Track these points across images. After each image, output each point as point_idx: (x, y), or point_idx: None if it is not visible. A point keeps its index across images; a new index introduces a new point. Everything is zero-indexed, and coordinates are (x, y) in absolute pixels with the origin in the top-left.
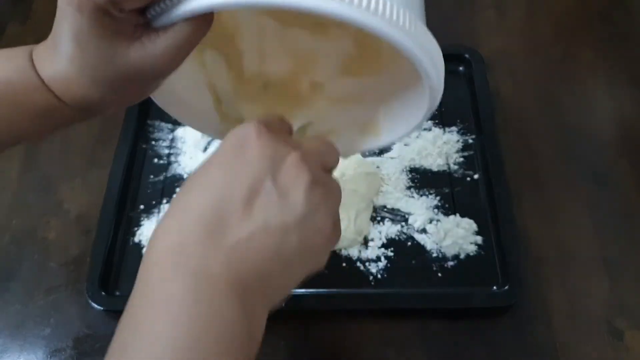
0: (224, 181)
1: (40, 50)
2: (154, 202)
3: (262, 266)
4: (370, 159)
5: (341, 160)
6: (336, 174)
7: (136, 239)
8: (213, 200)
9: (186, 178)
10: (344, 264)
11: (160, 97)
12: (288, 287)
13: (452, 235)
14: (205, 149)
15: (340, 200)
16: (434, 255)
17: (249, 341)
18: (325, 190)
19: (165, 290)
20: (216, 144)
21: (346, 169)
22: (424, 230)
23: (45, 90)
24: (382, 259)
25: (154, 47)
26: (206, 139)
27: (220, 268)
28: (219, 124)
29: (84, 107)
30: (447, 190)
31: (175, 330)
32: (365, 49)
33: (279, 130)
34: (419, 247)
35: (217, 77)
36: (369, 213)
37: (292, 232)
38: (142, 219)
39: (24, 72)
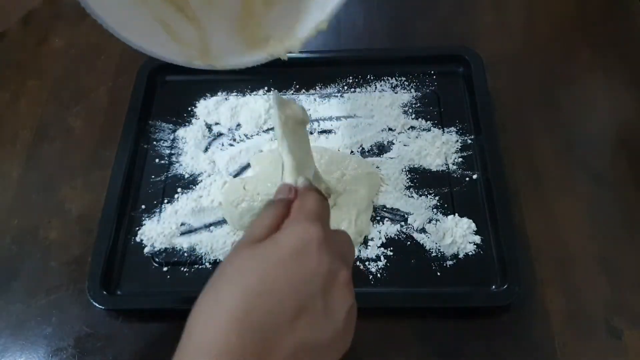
0: (282, 288)
1: None
2: (155, 202)
3: None
4: (370, 159)
5: (341, 160)
6: (336, 174)
7: (137, 239)
8: (271, 307)
9: (228, 260)
10: None
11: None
12: None
13: (451, 235)
14: (206, 149)
15: (353, 326)
16: (433, 254)
17: None
18: (355, 310)
19: None
20: (216, 144)
21: (346, 169)
22: (423, 230)
23: None
24: (382, 258)
25: None
26: (207, 139)
27: None
28: (171, 43)
29: None
30: (446, 190)
31: None
32: None
33: (328, 217)
34: (418, 247)
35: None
36: (369, 213)
37: (325, 347)
38: (143, 218)
39: None
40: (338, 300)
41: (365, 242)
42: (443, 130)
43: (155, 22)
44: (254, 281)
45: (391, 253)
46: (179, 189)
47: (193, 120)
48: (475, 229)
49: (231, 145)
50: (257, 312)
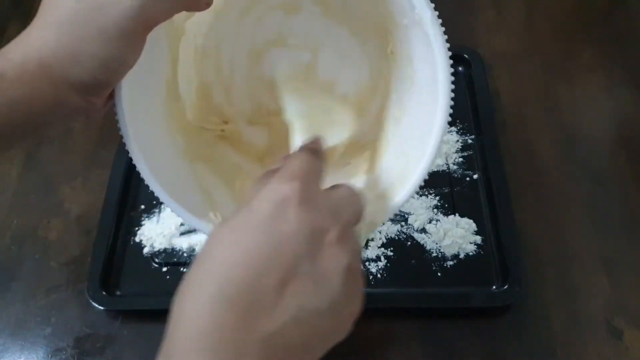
0: (261, 254)
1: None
2: (154, 202)
3: (294, 352)
4: None
5: None
6: None
7: (137, 239)
8: (250, 276)
9: (213, 231)
10: None
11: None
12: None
13: (452, 235)
14: None
15: (361, 291)
16: (434, 254)
17: None
18: (359, 271)
19: None
20: None
21: None
22: (423, 230)
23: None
24: (382, 258)
25: None
26: None
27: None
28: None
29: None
30: (446, 190)
31: None
32: None
33: (315, 174)
34: (419, 247)
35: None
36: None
37: (324, 317)
38: (142, 219)
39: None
40: (328, 262)
41: (365, 243)
42: None
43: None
44: (229, 253)
45: (391, 253)
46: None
47: None
48: (475, 229)
49: None
50: (235, 284)
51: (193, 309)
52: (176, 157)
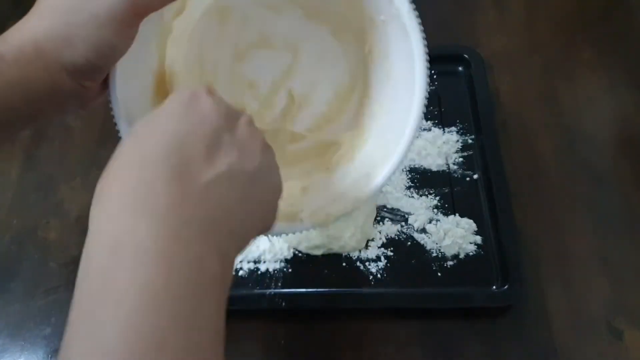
0: (181, 129)
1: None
2: None
3: (230, 207)
4: None
5: None
6: None
7: None
8: (174, 145)
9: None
10: (344, 264)
11: None
12: (249, 236)
13: (452, 235)
14: None
15: (278, 168)
16: (434, 255)
17: (222, 283)
18: (273, 154)
19: (133, 233)
20: None
21: None
22: (423, 230)
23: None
24: (382, 258)
25: None
26: None
27: (191, 210)
28: None
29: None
30: (446, 190)
31: (150, 273)
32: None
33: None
34: (419, 247)
35: None
36: (373, 216)
37: (253, 180)
38: None
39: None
40: (247, 135)
41: (365, 243)
42: (444, 130)
43: None
44: (153, 130)
45: (391, 253)
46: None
47: None
48: (475, 229)
49: None
50: (171, 150)
51: (114, 174)
52: None
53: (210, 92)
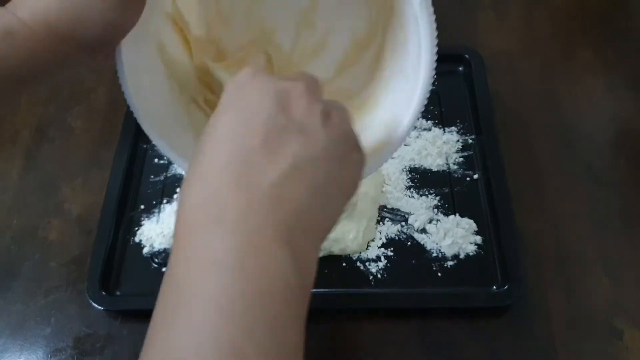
0: (235, 129)
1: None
2: (154, 202)
3: (301, 204)
4: None
5: None
6: None
7: (137, 239)
8: (232, 150)
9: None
10: (344, 264)
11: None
12: (331, 220)
13: (452, 235)
14: None
15: (350, 117)
16: (434, 255)
17: (299, 288)
18: (338, 114)
19: (205, 247)
20: None
21: None
22: (423, 230)
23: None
24: (382, 258)
25: None
26: None
27: (261, 217)
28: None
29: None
30: (446, 190)
31: (224, 285)
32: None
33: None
34: (419, 247)
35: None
36: (375, 218)
37: (322, 162)
38: (142, 219)
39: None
40: (303, 112)
41: (365, 243)
42: (444, 130)
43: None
44: (211, 139)
45: (392, 253)
46: (179, 189)
47: None
48: (476, 229)
49: None
50: (224, 158)
51: (187, 193)
52: (173, 101)
53: (256, 71)
